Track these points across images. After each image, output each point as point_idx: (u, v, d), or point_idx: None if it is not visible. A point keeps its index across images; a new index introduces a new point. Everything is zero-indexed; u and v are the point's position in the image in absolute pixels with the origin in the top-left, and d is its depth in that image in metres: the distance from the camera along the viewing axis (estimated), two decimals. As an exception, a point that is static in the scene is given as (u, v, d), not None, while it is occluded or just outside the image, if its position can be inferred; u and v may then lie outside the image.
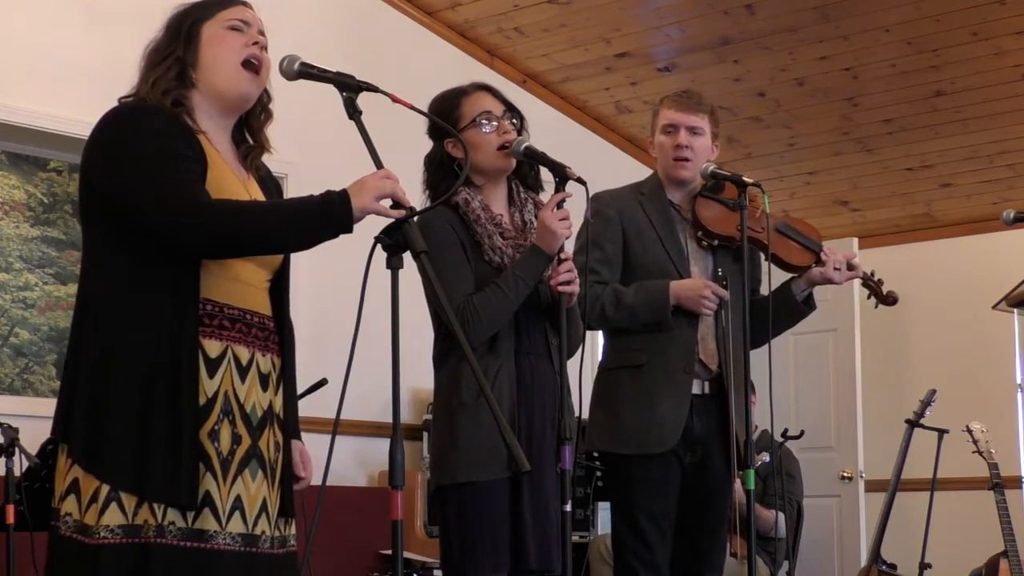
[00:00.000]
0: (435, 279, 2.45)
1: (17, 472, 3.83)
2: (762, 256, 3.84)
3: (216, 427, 2.42)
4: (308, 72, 2.50)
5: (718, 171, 3.65)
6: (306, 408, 3.07)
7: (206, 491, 2.39)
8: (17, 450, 3.84)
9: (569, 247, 3.31)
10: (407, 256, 2.38)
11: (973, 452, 5.47)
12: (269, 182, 2.69)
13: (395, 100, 2.47)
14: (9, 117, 4.87)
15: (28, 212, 5.08)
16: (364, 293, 2.36)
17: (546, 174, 3.17)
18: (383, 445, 2.43)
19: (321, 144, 5.39)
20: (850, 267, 3.88)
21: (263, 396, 2.52)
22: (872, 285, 4.10)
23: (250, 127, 2.66)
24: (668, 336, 3.70)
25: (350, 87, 2.47)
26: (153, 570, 2.33)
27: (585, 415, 3.62)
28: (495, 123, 3.18)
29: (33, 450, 3.81)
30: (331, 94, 2.51)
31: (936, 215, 7.36)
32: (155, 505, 2.35)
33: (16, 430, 3.91)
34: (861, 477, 7.12)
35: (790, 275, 3.91)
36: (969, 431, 5.48)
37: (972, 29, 5.66)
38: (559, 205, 3.08)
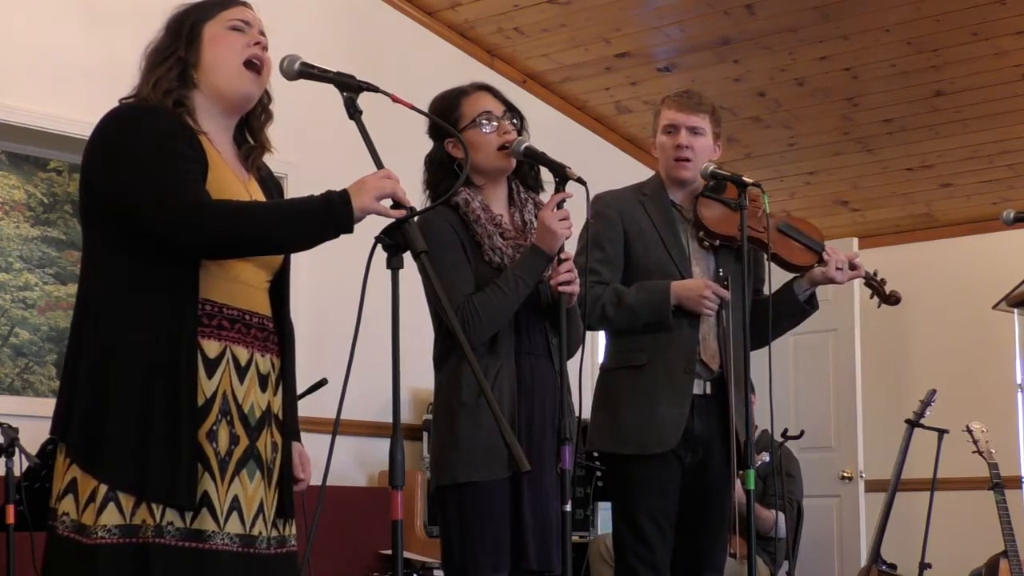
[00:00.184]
0: (435, 279, 2.45)
1: (17, 472, 3.83)
2: (766, 256, 3.84)
3: (214, 427, 2.42)
4: (308, 72, 2.50)
5: (718, 171, 3.65)
6: (306, 408, 3.07)
7: (204, 491, 2.39)
8: (17, 450, 3.84)
9: (571, 247, 3.31)
10: (407, 256, 2.38)
11: (973, 452, 5.46)
12: (270, 182, 2.69)
13: (395, 100, 2.47)
14: (9, 117, 4.87)
15: (28, 212, 5.08)
16: (364, 293, 2.35)
17: (546, 174, 3.17)
18: (383, 445, 2.43)
19: (321, 144, 5.40)
20: (852, 267, 3.87)
21: (262, 397, 2.52)
22: (875, 285, 4.10)
23: (250, 127, 2.66)
24: (669, 336, 3.70)
25: (350, 87, 2.47)
26: (151, 570, 2.33)
27: (585, 415, 3.61)
28: (495, 123, 3.18)
29: (33, 450, 3.83)
30: (331, 94, 2.51)
31: (936, 215, 7.36)
32: (153, 505, 2.35)
33: (16, 430, 3.91)
34: (861, 477, 7.12)
35: (792, 275, 3.91)
36: (969, 431, 5.48)
37: (972, 29, 5.66)
38: (559, 205, 3.08)
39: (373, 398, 4.60)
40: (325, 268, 5.07)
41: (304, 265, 4.51)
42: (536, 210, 3.24)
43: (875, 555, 5.72)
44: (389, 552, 4.75)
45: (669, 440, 3.67)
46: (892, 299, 4.11)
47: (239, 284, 2.51)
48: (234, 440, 2.45)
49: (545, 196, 3.25)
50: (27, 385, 5.00)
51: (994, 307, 5.32)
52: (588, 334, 3.32)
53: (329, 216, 2.39)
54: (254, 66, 2.57)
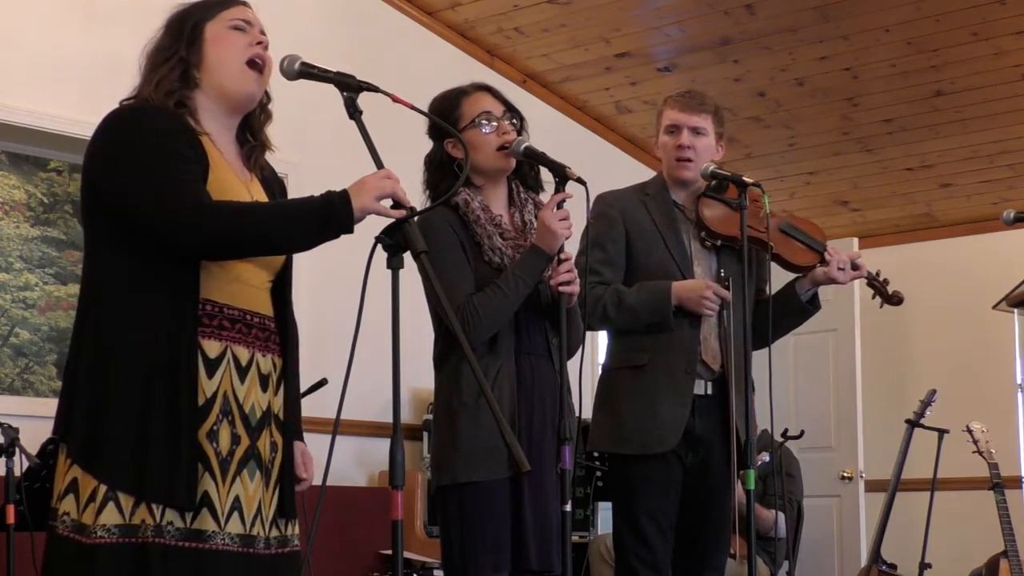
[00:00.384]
0: (435, 279, 2.45)
1: (17, 472, 3.83)
2: (768, 256, 3.84)
3: (215, 427, 2.42)
4: (309, 72, 2.50)
5: (718, 171, 3.65)
6: (306, 408, 3.07)
7: (204, 491, 2.39)
8: (17, 450, 3.84)
9: (573, 247, 3.31)
10: (407, 256, 2.38)
11: (973, 452, 5.46)
12: (272, 182, 2.69)
13: (395, 100, 2.47)
14: (9, 117, 4.87)
15: (28, 212, 5.08)
16: (364, 293, 2.35)
17: (546, 174, 3.17)
18: (383, 445, 2.43)
19: (321, 144, 5.39)
20: (854, 267, 3.87)
21: (263, 397, 2.52)
22: (877, 285, 4.10)
23: (250, 127, 2.66)
24: (670, 337, 3.70)
25: (350, 87, 2.47)
26: (150, 570, 2.33)
27: (586, 415, 3.62)
28: (495, 123, 3.18)
29: (33, 450, 3.82)
30: (331, 94, 2.51)
31: (936, 215, 7.36)
32: (153, 505, 2.35)
33: (16, 430, 3.91)
34: (861, 477, 7.12)
35: (794, 275, 3.91)
36: (969, 431, 5.48)
37: (972, 29, 5.66)
38: (559, 205, 3.08)
39: (373, 398, 4.59)
40: (325, 268, 5.07)
41: (304, 265, 4.49)
42: (536, 210, 3.24)
43: (875, 555, 5.72)
44: (389, 552, 4.75)
45: (670, 440, 3.67)
46: (895, 299, 4.11)
47: (240, 284, 2.51)
48: (235, 440, 2.45)
49: (545, 196, 3.25)
50: (27, 385, 5.00)
51: (994, 307, 5.32)
52: (588, 334, 3.32)
53: (329, 216, 2.39)
54: (257, 66, 2.57)
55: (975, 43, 5.75)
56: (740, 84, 6.36)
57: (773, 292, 3.89)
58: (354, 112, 2.47)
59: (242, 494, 2.45)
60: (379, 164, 2.45)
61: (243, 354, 2.49)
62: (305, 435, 2.77)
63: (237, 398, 2.47)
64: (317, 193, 2.45)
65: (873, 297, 4.15)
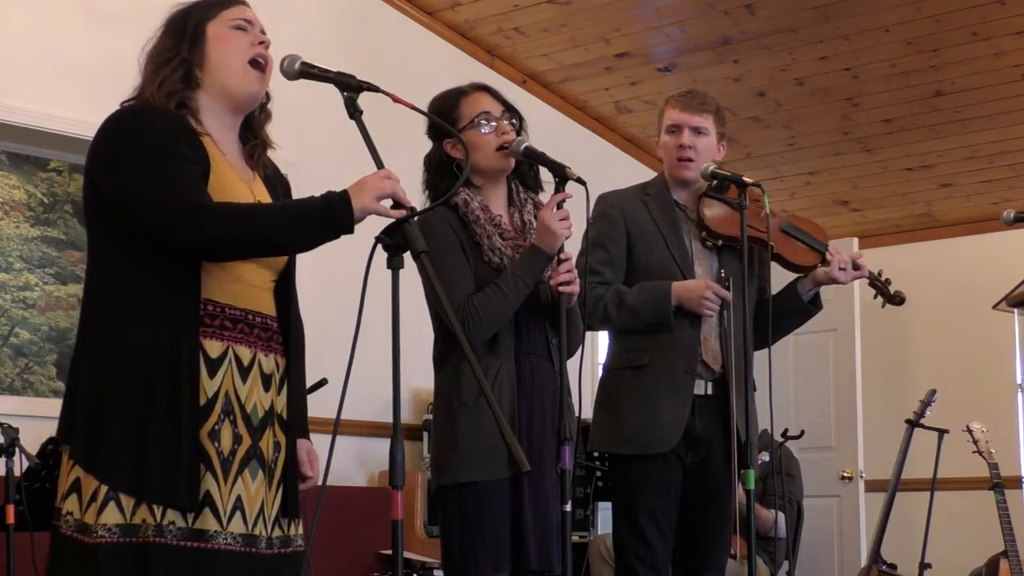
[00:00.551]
0: (435, 279, 2.45)
1: (17, 472, 3.83)
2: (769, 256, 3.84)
3: (216, 427, 2.42)
4: (309, 72, 2.50)
5: (718, 171, 3.65)
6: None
7: (206, 491, 2.39)
8: (17, 450, 3.84)
9: (574, 247, 3.31)
10: (407, 256, 2.38)
11: (973, 452, 5.46)
12: (276, 181, 2.69)
13: (396, 100, 2.47)
14: (9, 117, 4.86)
15: (28, 212, 5.08)
16: (364, 293, 2.35)
17: (546, 174, 3.17)
18: (383, 445, 2.43)
19: (321, 144, 5.39)
20: (856, 267, 3.87)
21: (265, 396, 2.52)
22: (879, 285, 4.09)
23: (250, 127, 2.66)
24: (671, 337, 3.70)
25: (351, 87, 2.47)
26: (151, 570, 2.33)
27: (586, 415, 3.62)
28: (494, 124, 3.18)
29: (33, 450, 3.84)
30: (331, 94, 2.51)
31: (936, 215, 7.36)
32: (154, 505, 2.35)
33: (16, 430, 3.91)
34: (861, 477, 7.12)
35: (795, 275, 3.91)
36: (969, 431, 5.48)
37: (972, 29, 5.66)
38: (559, 205, 3.08)
39: (373, 398, 4.59)
40: (325, 268, 5.06)
41: (305, 265, 4.48)
42: (535, 210, 3.24)
43: (875, 555, 5.71)
44: (389, 552, 4.75)
45: (669, 440, 3.67)
46: (897, 299, 4.10)
47: (242, 284, 2.51)
48: (237, 440, 2.45)
49: (544, 196, 3.25)
50: (27, 385, 5.00)
51: (994, 307, 5.32)
52: (589, 334, 3.32)
53: (329, 217, 2.39)
54: (259, 65, 2.57)
55: (975, 43, 5.75)
56: (740, 84, 6.36)
57: (774, 292, 3.89)
58: (354, 112, 2.47)
59: (244, 494, 2.45)
60: (379, 164, 2.45)
61: (245, 354, 2.49)
62: (306, 435, 2.77)
63: (239, 398, 2.47)
64: (317, 193, 2.45)
65: (875, 297, 4.15)
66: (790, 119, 6.65)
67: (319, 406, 4.07)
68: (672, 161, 3.83)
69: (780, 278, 3.91)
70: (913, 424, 5.73)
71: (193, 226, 2.38)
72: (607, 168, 6.52)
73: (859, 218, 7.53)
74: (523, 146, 3.12)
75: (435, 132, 3.22)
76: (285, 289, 2.62)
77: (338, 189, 2.43)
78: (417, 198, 2.99)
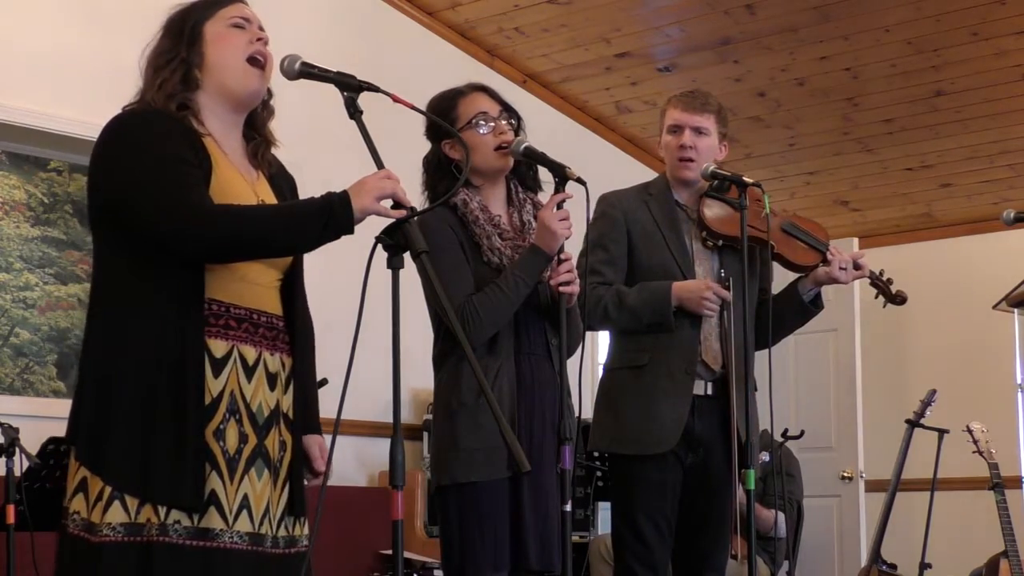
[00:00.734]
0: (435, 280, 2.45)
1: (17, 472, 3.83)
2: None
3: (222, 426, 2.43)
4: (309, 72, 2.50)
5: (718, 171, 3.65)
6: (307, 408, 3.07)
7: (212, 490, 2.40)
8: (17, 450, 3.84)
9: (574, 247, 3.31)
10: (407, 256, 2.38)
11: (973, 452, 5.46)
12: (281, 179, 2.69)
13: (396, 100, 2.47)
14: (9, 117, 4.86)
15: (28, 212, 5.08)
16: (365, 293, 2.35)
17: (545, 173, 3.17)
18: (383, 445, 2.43)
19: (321, 144, 5.39)
20: (856, 266, 3.87)
21: (270, 395, 2.52)
22: (880, 284, 4.08)
23: (253, 125, 2.66)
24: (671, 337, 3.69)
25: (351, 87, 2.47)
26: (155, 569, 2.33)
27: (586, 415, 3.62)
28: (491, 124, 3.18)
29: (33, 450, 3.84)
30: (332, 94, 2.51)
31: (936, 215, 7.36)
32: (158, 505, 2.36)
33: (16, 430, 3.91)
34: (861, 477, 7.12)
35: (797, 275, 3.90)
36: (969, 431, 5.48)
37: (972, 29, 5.66)
38: (559, 205, 3.08)
39: (373, 398, 4.59)
40: (326, 268, 5.05)
41: (305, 265, 4.51)
42: (535, 210, 3.24)
43: (875, 555, 5.71)
44: (389, 552, 4.75)
45: (668, 440, 3.67)
46: (898, 299, 4.09)
47: (246, 284, 2.51)
48: (243, 439, 2.46)
49: (544, 195, 3.25)
50: (27, 385, 5.00)
51: (994, 307, 5.31)
52: (589, 334, 3.32)
53: (329, 218, 2.39)
54: (258, 62, 2.57)
55: (975, 43, 5.75)
56: (740, 84, 6.36)
57: (775, 292, 3.89)
58: (354, 112, 2.47)
59: (250, 492, 2.46)
60: (379, 164, 2.45)
61: (250, 353, 2.49)
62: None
63: (244, 397, 2.47)
64: (318, 193, 2.45)
65: (876, 297, 4.14)
66: (790, 119, 6.65)
67: (319, 406, 4.08)
68: (673, 161, 3.83)
69: (781, 278, 3.91)
70: (913, 424, 5.73)
71: (192, 231, 2.38)
72: (607, 168, 6.52)
73: (859, 218, 7.53)
74: (523, 146, 3.12)
75: (433, 133, 3.22)
76: (291, 288, 2.62)
77: (338, 189, 2.43)
78: (416, 199, 2.99)
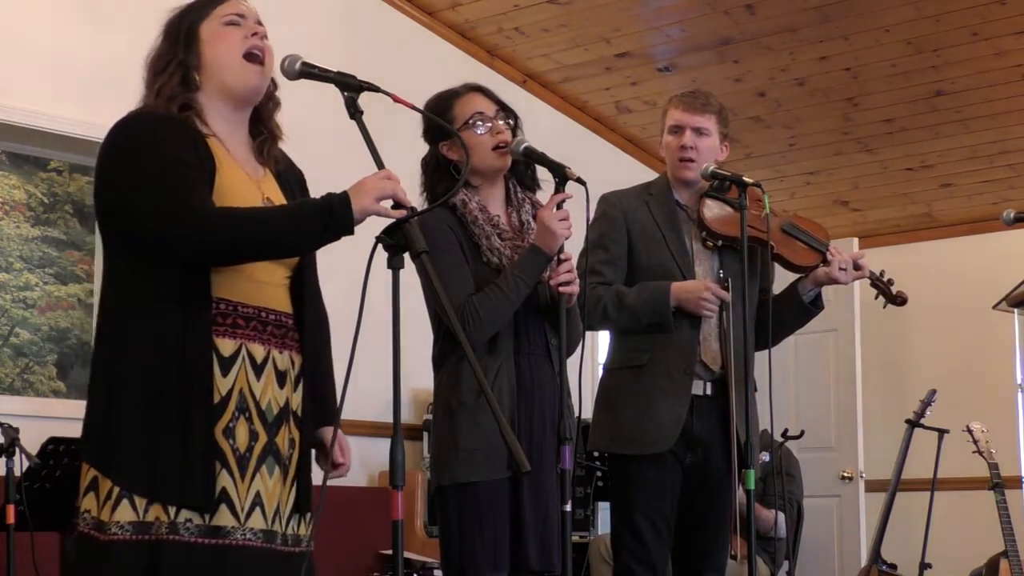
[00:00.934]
0: (435, 280, 2.45)
1: (17, 472, 3.83)
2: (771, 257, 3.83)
3: (231, 424, 2.43)
4: (309, 72, 2.50)
5: (718, 171, 3.65)
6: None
7: (222, 488, 2.40)
8: (17, 450, 3.84)
9: (574, 247, 3.30)
10: (407, 256, 2.38)
11: (973, 452, 5.46)
12: (289, 176, 2.69)
13: (396, 100, 2.47)
14: (9, 117, 4.87)
15: (28, 212, 5.08)
16: (365, 293, 2.35)
17: (544, 172, 3.17)
18: (383, 445, 2.43)
19: (321, 144, 5.39)
20: (856, 267, 3.86)
21: (280, 393, 2.53)
22: (881, 285, 4.08)
23: (260, 118, 2.65)
24: (670, 337, 3.69)
25: (351, 87, 2.47)
26: (163, 567, 2.34)
27: (586, 415, 3.62)
28: (488, 124, 3.17)
29: (33, 450, 3.84)
30: (332, 94, 2.51)
31: (936, 215, 7.36)
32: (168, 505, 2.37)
33: (16, 430, 3.91)
34: (861, 477, 7.12)
35: (797, 275, 3.90)
36: (969, 431, 5.48)
37: (972, 29, 5.66)
38: (559, 205, 3.08)
39: (373, 398, 4.59)
40: (325, 268, 5.05)
41: (304, 265, 4.51)
42: (534, 210, 3.24)
43: (875, 555, 5.71)
44: (389, 552, 4.75)
45: (666, 440, 3.66)
46: (899, 299, 4.08)
47: (253, 282, 2.51)
48: (253, 436, 2.46)
49: (543, 194, 3.25)
50: (27, 385, 5.00)
51: (994, 307, 5.31)
52: (589, 334, 3.31)
53: (329, 219, 2.39)
54: (256, 57, 2.56)
55: (975, 43, 5.75)
56: (740, 84, 6.36)
57: (776, 293, 3.88)
58: (355, 112, 2.47)
59: (263, 490, 2.46)
60: (379, 164, 2.45)
61: (258, 351, 2.50)
62: (305, 435, 2.77)
63: (254, 395, 2.47)
64: (318, 193, 2.45)
65: (876, 297, 4.13)
66: (790, 119, 6.65)
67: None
68: (674, 161, 3.83)
69: (781, 279, 3.91)
70: (913, 424, 5.73)
71: (192, 236, 2.39)
72: (607, 168, 6.52)
73: (859, 218, 7.53)
74: (523, 146, 3.12)
75: (431, 135, 3.22)
76: (301, 285, 2.62)
77: (338, 190, 2.43)
78: (416, 200, 2.99)
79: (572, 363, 3.12)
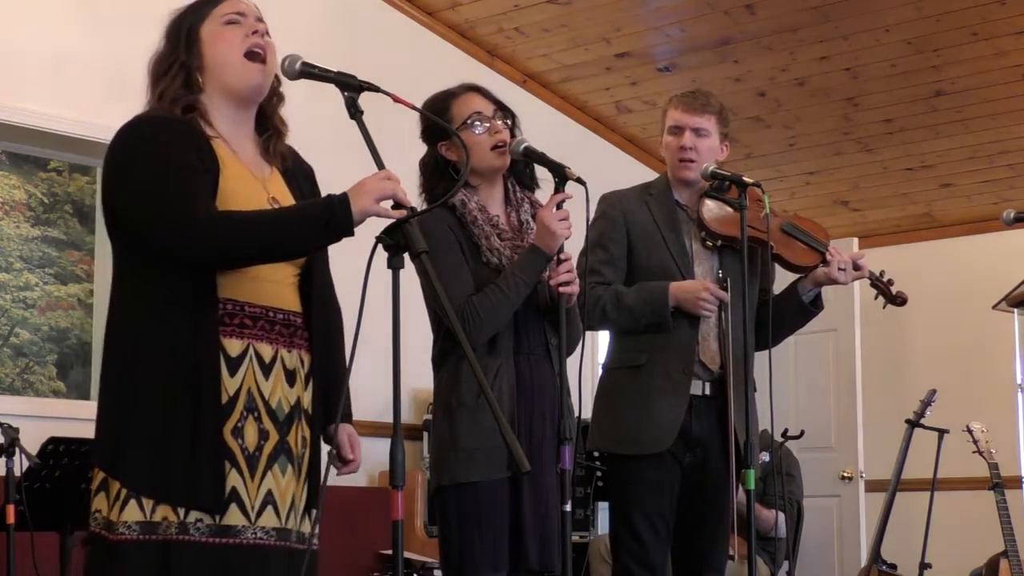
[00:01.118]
0: (435, 280, 2.45)
1: (17, 472, 3.83)
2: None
3: (240, 424, 2.43)
4: (310, 72, 2.50)
5: (718, 171, 3.65)
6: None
7: (232, 487, 2.41)
8: (17, 450, 3.84)
9: (574, 247, 3.30)
10: (407, 256, 2.38)
11: (973, 452, 5.46)
12: (296, 172, 2.68)
13: (396, 100, 2.47)
14: (9, 117, 4.87)
15: (28, 212, 5.08)
16: (365, 293, 2.35)
17: (544, 172, 3.17)
18: (383, 445, 2.43)
19: (321, 144, 5.39)
20: (856, 267, 3.86)
21: (290, 392, 2.53)
22: (881, 285, 4.07)
23: (264, 113, 2.65)
24: (669, 337, 3.69)
25: (351, 87, 2.47)
26: (172, 567, 2.35)
27: (585, 415, 3.62)
28: (487, 124, 3.17)
29: (33, 450, 3.84)
30: (332, 94, 2.51)
31: (936, 215, 7.36)
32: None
33: (16, 430, 3.91)
34: (861, 477, 7.12)
35: (797, 275, 3.90)
36: (969, 431, 5.48)
37: (972, 29, 5.66)
38: (559, 205, 3.08)
39: (373, 398, 4.59)
40: (325, 268, 5.07)
41: (304, 265, 4.51)
42: (533, 209, 3.24)
43: (875, 555, 5.71)
44: (389, 552, 4.75)
45: (664, 440, 3.66)
46: (899, 300, 4.08)
47: (260, 282, 2.51)
48: (263, 436, 2.47)
49: (542, 194, 3.25)
50: (27, 385, 5.00)
51: (994, 307, 5.31)
52: (589, 334, 3.31)
53: (329, 221, 2.40)
54: (257, 56, 2.56)
55: (975, 43, 5.75)
56: (740, 84, 6.36)
57: (775, 293, 3.88)
58: (355, 112, 2.47)
59: (275, 488, 2.47)
60: (380, 164, 2.45)
61: (266, 351, 2.50)
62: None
63: (262, 394, 2.48)
64: (322, 192, 2.46)
65: (876, 297, 4.12)
66: (790, 119, 6.65)
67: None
68: (674, 162, 3.83)
69: (782, 279, 3.90)
70: (913, 424, 5.73)
71: (194, 242, 2.40)
72: (607, 168, 6.52)
73: (859, 218, 7.53)
74: (523, 146, 3.12)
75: (429, 135, 3.22)
76: (309, 283, 2.61)
77: (338, 190, 2.43)
78: (415, 200, 2.99)
79: (572, 363, 3.12)
